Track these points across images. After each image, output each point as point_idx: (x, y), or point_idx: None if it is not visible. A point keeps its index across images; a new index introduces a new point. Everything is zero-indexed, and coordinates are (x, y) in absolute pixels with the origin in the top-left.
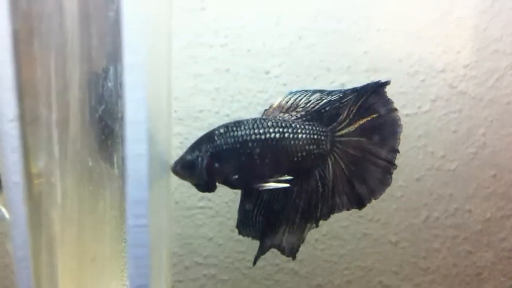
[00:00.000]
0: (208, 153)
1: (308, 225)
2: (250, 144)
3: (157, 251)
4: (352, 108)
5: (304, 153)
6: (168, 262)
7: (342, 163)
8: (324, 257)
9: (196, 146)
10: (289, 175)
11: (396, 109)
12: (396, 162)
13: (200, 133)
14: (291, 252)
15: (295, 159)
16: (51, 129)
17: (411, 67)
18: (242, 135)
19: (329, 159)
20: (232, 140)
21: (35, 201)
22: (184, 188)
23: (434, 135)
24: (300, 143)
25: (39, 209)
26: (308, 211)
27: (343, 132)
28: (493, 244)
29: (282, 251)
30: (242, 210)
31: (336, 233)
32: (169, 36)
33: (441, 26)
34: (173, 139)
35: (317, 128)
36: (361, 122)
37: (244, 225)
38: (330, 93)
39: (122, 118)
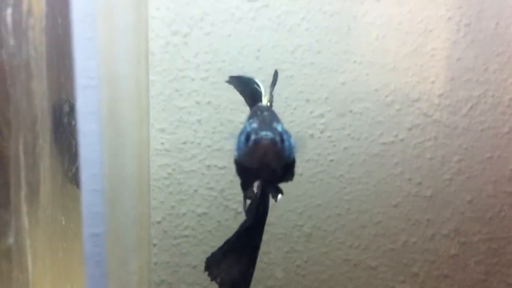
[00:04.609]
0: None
1: None
2: None
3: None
4: None
5: None
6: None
7: None
8: (305, 282)
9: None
10: None
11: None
12: (374, 188)
13: (185, 164)
14: None
15: None
16: (20, 205)
17: (387, 97)
18: None
19: None
20: None
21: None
22: (171, 218)
23: (411, 163)
24: None
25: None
26: None
27: None
28: (469, 267)
29: None
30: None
31: (317, 259)
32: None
33: (415, 57)
34: (160, 170)
35: None
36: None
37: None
38: None
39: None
